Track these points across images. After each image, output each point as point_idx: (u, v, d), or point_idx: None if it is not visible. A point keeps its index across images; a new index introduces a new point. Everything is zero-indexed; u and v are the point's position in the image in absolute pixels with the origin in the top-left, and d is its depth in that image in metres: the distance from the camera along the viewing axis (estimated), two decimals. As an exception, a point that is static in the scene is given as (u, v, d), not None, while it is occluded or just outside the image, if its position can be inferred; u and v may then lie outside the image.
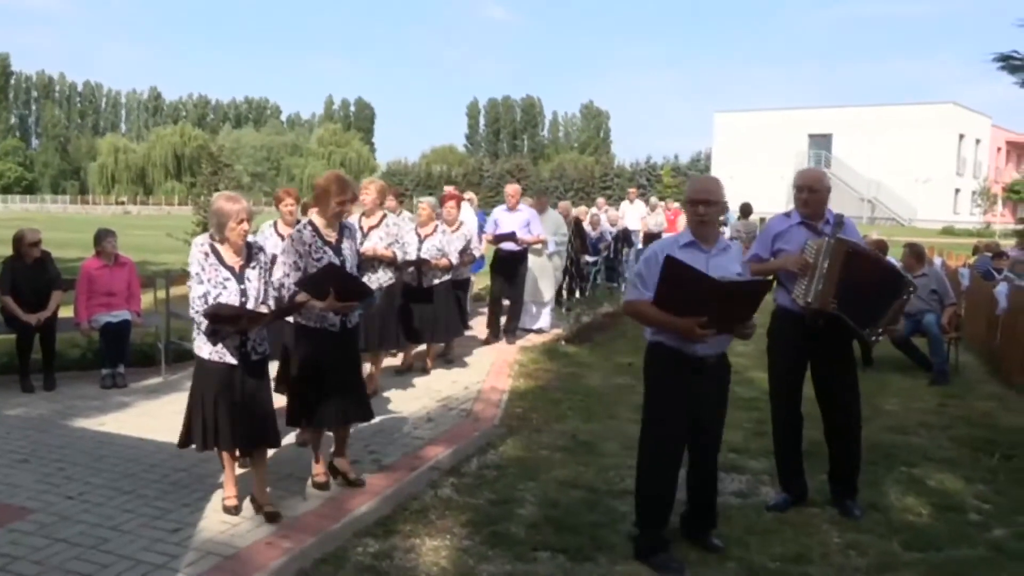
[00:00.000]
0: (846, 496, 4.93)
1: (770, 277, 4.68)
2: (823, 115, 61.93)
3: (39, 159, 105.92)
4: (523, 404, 7.29)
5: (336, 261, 4.88)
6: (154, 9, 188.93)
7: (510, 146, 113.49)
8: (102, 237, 7.91)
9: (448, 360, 8.93)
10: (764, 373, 8.48)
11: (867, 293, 4.70)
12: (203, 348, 4.51)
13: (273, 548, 4.19)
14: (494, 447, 6.07)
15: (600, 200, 18.75)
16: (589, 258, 14.18)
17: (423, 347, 8.55)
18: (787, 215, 5.03)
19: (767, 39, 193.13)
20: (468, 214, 10.80)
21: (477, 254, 9.25)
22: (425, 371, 8.33)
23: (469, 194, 12.62)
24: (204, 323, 4.40)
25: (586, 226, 14.53)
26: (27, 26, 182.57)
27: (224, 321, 4.35)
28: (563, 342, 10.34)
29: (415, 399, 7.31)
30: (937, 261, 14.75)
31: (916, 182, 56.95)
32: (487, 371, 8.50)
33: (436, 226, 8.30)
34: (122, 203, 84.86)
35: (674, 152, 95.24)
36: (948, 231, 45.64)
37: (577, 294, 13.85)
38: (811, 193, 4.84)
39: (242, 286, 4.47)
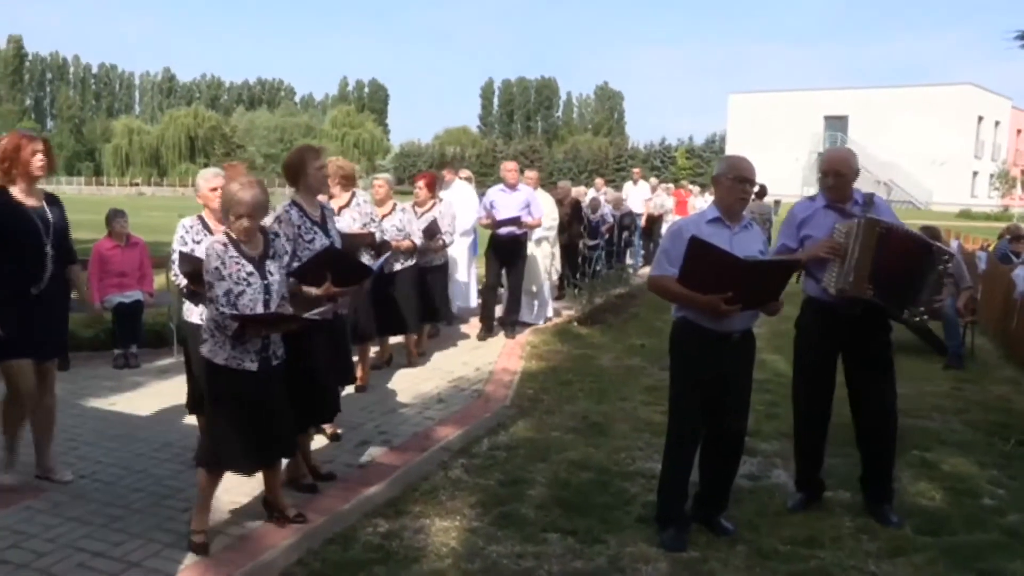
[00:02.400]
0: (882, 501, 4.61)
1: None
2: (839, 96, 61.37)
3: (54, 141, 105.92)
4: (534, 385, 7.29)
5: (326, 241, 4.58)
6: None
7: (524, 127, 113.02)
8: (112, 218, 7.93)
9: (420, 353, 8.18)
10: (776, 355, 8.55)
11: (903, 272, 4.35)
12: (218, 353, 3.98)
13: (283, 528, 4.19)
14: (505, 428, 6.07)
15: (599, 181, 17.72)
16: (590, 242, 13.26)
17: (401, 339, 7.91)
18: (811, 199, 4.74)
19: (782, 19, 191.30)
20: (467, 194, 10.13)
21: (448, 239, 8.26)
22: (361, 388, 6.93)
23: (465, 172, 11.45)
24: (230, 326, 3.88)
25: (585, 209, 13.60)
26: (39, 5, 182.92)
27: (258, 324, 3.95)
28: (575, 323, 10.31)
29: (426, 379, 7.31)
30: (954, 244, 14.62)
31: (933, 165, 56.40)
32: (499, 352, 8.49)
33: (394, 204, 7.48)
34: (136, 184, 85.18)
35: (688, 133, 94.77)
36: (965, 214, 45.22)
37: (579, 277, 12.69)
38: (837, 178, 4.52)
39: (265, 281, 4.01)
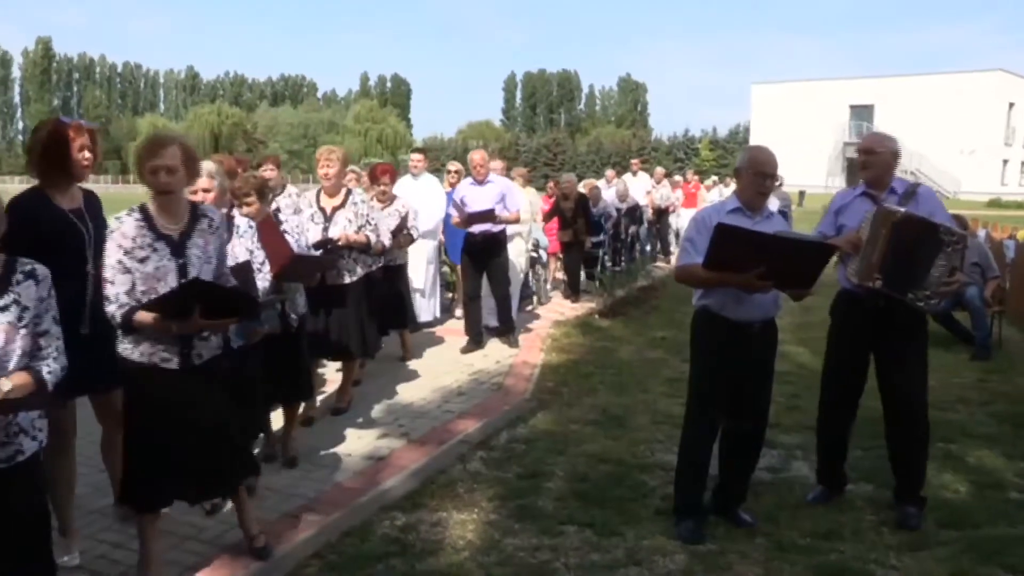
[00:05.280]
0: (908, 502, 4.44)
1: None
2: (864, 86, 60.72)
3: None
4: (555, 378, 7.27)
5: (170, 263, 3.39)
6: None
7: (547, 120, 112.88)
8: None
9: (401, 359, 7.64)
10: (799, 347, 8.48)
11: (909, 257, 4.18)
12: None
13: (300, 521, 4.21)
14: (524, 421, 6.05)
15: (609, 172, 16.83)
16: (593, 239, 12.08)
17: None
18: (854, 188, 4.65)
19: (806, 9, 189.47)
20: (435, 188, 9.04)
21: (415, 235, 7.43)
22: (342, 409, 6.14)
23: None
24: None
25: (604, 202, 12.92)
26: (67, 6, 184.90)
27: None
28: (596, 316, 10.27)
29: (446, 373, 7.31)
30: (981, 233, 14.41)
31: (961, 153, 55.66)
32: (520, 345, 8.46)
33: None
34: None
35: (712, 124, 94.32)
36: (995, 203, 44.53)
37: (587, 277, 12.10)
38: (868, 155, 4.39)
39: None
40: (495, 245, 8.13)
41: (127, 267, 3.34)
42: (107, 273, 3.36)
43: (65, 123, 3.71)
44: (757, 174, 4.11)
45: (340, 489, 4.66)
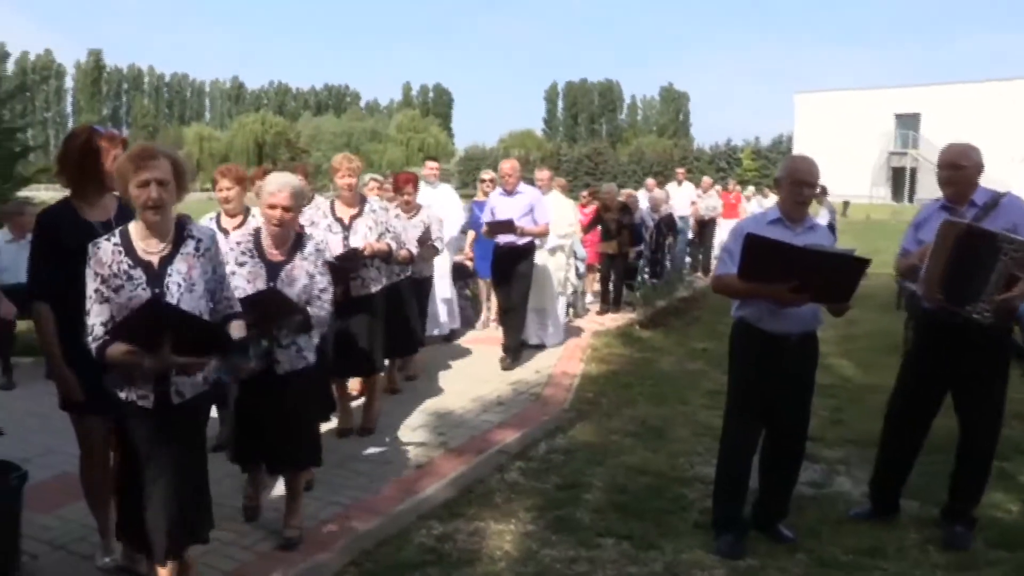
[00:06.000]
0: (958, 521, 4.33)
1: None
2: (911, 94, 59.66)
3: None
4: (594, 388, 7.23)
5: (145, 293, 3.13)
6: None
7: (588, 130, 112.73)
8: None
9: (410, 377, 7.38)
10: (843, 359, 8.36)
11: (973, 272, 3.94)
12: None
13: (337, 529, 4.23)
14: (563, 431, 6.03)
15: (649, 181, 16.14)
16: (633, 249, 11.69)
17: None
18: (936, 201, 4.45)
19: (850, 19, 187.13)
20: (452, 200, 8.96)
21: (440, 247, 7.32)
22: (369, 430, 5.89)
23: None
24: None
25: (640, 212, 12.34)
26: (114, 17, 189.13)
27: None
28: (637, 326, 10.21)
29: (485, 382, 7.31)
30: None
31: (1012, 161, 54.50)
32: (559, 355, 8.44)
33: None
34: (207, 189, 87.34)
35: (754, 134, 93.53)
36: (1046, 214, 43.48)
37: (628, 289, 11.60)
38: (954, 171, 4.19)
39: None
40: (519, 256, 7.93)
41: (105, 296, 3.15)
42: (86, 304, 3.17)
43: (99, 132, 3.64)
44: (795, 183, 4.08)
45: (378, 497, 4.68)
